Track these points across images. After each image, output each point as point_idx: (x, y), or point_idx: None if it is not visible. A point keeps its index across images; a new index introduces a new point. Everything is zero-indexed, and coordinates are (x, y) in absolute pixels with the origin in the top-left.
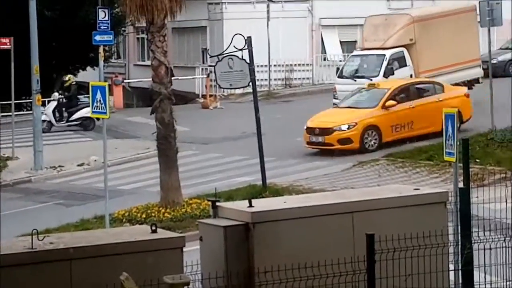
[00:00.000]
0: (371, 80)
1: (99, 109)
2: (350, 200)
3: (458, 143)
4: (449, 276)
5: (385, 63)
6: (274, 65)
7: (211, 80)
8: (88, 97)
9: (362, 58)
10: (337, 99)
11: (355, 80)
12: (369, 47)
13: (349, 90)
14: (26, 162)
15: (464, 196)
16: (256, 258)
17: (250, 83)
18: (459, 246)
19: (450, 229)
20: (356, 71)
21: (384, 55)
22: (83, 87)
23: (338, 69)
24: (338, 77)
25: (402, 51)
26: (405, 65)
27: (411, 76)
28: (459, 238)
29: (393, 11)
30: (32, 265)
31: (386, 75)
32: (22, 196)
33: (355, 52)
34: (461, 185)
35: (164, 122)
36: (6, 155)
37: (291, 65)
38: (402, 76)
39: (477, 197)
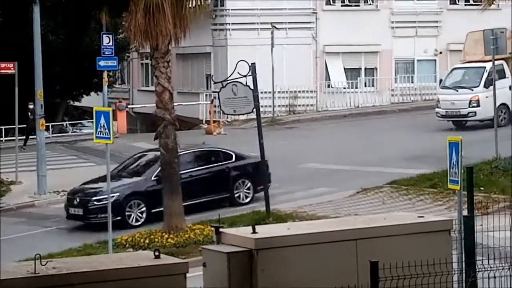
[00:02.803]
0: (472, 90)
1: (102, 134)
2: (354, 227)
3: (462, 171)
4: None
5: (485, 74)
6: (278, 92)
7: (215, 106)
8: (92, 122)
9: (464, 70)
10: (439, 108)
11: (457, 91)
12: (470, 60)
13: (451, 100)
14: (30, 186)
15: (468, 224)
16: (260, 285)
17: (254, 110)
18: (463, 274)
19: (454, 257)
20: (458, 82)
21: (485, 67)
22: (86, 112)
23: (441, 80)
24: (441, 88)
25: (502, 64)
26: (504, 77)
27: (510, 87)
28: (463, 266)
29: (397, 39)
30: None
31: (486, 86)
32: (25, 221)
33: (457, 65)
34: (465, 213)
35: (168, 147)
36: (9, 179)
37: (295, 91)
38: (501, 87)
39: (481, 225)
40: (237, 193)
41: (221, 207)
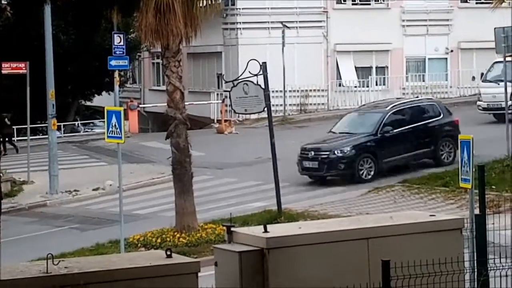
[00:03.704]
0: None
1: (114, 133)
2: (366, 226)
3: (474, 170)
4: None
5: None
6: (289, 91)
7: (226, 105)
8: (104, 121)
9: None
10: (481, 101)
11: (499, 84)
12: (511, 54)
13: (492, 93)
14: (42, 186)
15: (480, 222)
16: (271, 284)
17: (265, 109)
18: (475, 273)
19: (466, 255)
20: (499, 76)
21: None
22: (98, 112)
23: (482, 74)
24: (482, 81)
25: None
26: None
27: None
28: (475, 264)
29: (408, 37)
30: None
31: None
32: (37, 220)
33: (497, 59)
34: (477, 211)
35: (179, 147)
36: (21, 179)
37: (306, 90)
38: None
39: (493, 223)
40: None
41: None
